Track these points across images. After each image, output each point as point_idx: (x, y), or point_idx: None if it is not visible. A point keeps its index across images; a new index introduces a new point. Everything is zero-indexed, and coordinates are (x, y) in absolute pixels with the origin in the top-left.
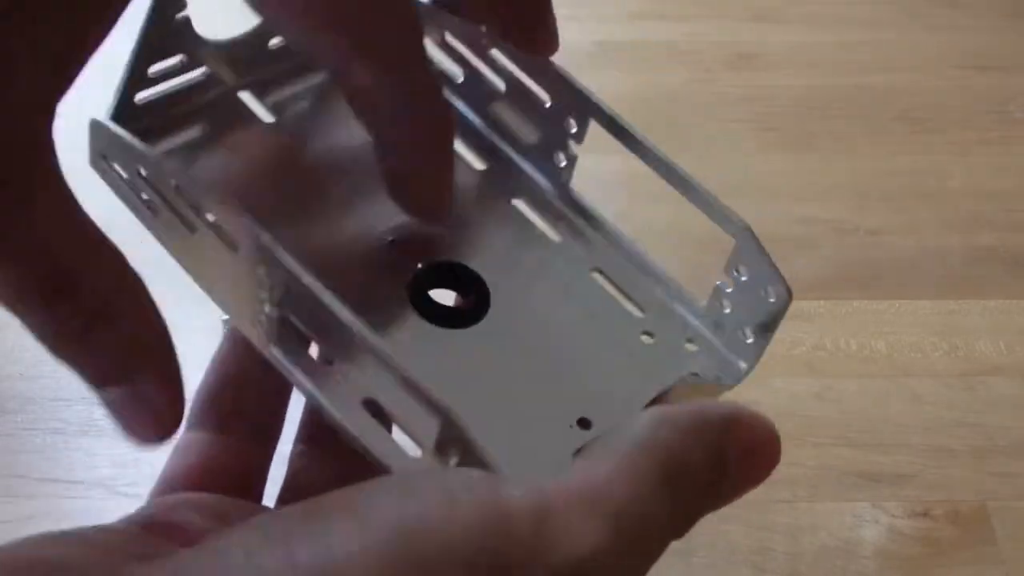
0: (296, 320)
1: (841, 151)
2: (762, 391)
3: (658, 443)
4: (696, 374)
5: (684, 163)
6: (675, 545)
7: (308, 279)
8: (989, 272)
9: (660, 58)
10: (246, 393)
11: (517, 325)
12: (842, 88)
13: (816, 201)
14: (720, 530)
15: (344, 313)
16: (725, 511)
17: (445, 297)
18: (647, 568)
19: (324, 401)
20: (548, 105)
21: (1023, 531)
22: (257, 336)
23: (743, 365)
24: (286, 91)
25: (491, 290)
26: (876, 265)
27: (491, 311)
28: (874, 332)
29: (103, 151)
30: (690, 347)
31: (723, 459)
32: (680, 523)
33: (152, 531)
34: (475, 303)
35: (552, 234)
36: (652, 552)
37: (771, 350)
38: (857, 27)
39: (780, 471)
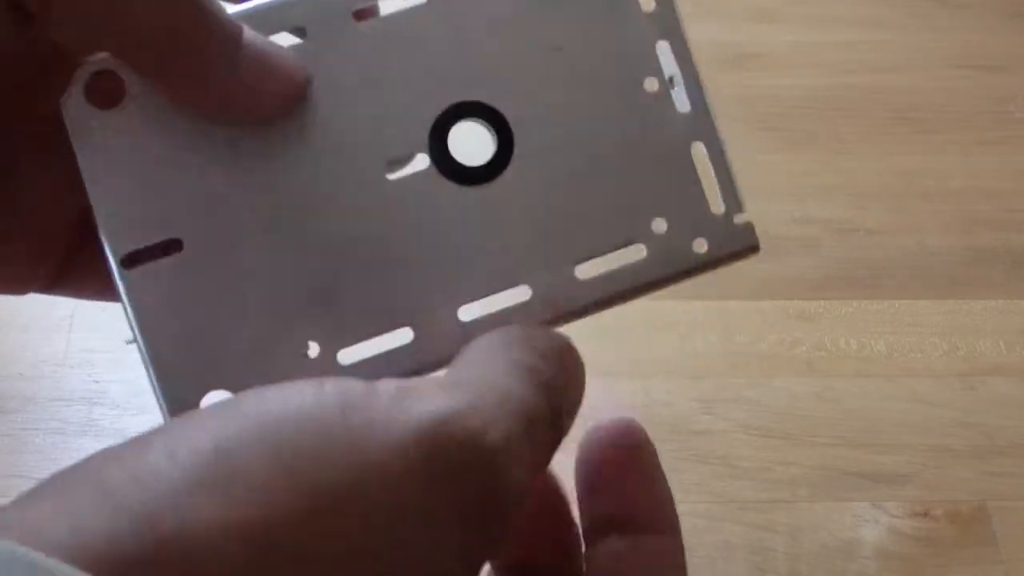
0: None
1: (841, 151)
2: (762, 391)
3: (496, 339)
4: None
5: None
6: None
7: None
8: (989, 272)
9: None
10: None
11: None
12: (842, 88)
13: (816, 201)
14: (720, 530)
15: None
16: (725, 511)
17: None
18: (528, 452)
19: None
20: None
21: (1023, 531)
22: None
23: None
24: None
25: (515, 131)
26: (876, 265)
27: (515, 158)
28: (874, 332)
29: None
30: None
31: (557, 343)
32: (542, 396)
33: None
34: (498, 154)
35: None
36: (518, 428)
37: (771, 350)
38: (857, 27)
39: (780, 471)
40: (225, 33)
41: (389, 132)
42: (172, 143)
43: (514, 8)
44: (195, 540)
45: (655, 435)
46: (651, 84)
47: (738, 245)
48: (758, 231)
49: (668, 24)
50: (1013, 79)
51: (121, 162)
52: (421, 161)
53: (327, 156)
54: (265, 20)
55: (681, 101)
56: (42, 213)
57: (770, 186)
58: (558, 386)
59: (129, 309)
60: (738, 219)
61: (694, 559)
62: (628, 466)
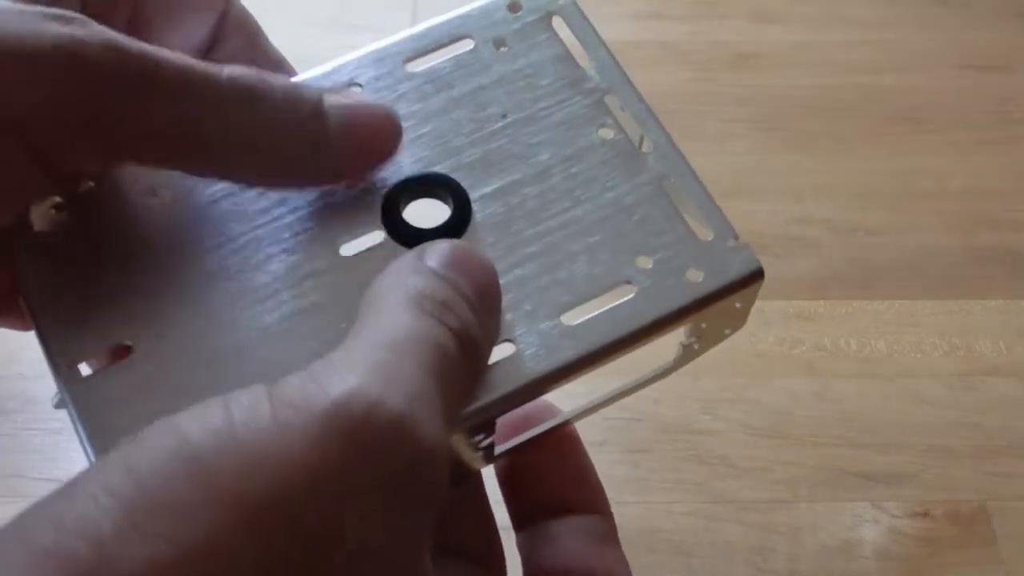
0: None
1: (841, 151)
2: (762, 391)
3: (390, 278)
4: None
5: None
6: (675, 545)
7: None
8: (989, 272)
9: (660, 58)
10: None
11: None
12: (842, 88)
13: (816, 201)
14: (720, 530)
15: None
16: (725, 511)
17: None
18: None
19: None
20: None
21: (1023, 531)
22: None
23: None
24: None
25: (472, 198)
26: (876, 265)
27: (474, 223)
28: (874, 332)
29: None
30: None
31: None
32: (438, 325)
33: None
34: (455, 214)
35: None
36: (419, 380)
37: (771, 350)
38: (857, 27)
39: (780, 471)
40: (308, 120)
41: (343, 214)
42: (122, 251)
43: (457, 89)
44: None
45: (655, 435)
46: (606, 133)
47: (738, 270)
48: (758, 231)
49: (613, 75)
50: (1013, 79)
51: (68, 279)
52: (376, 236)
53: (280, 247)
54: None
55: (643, 144)
56: None
57: (770, 186)
58: (456, 300)
59: (77, 421)
60: (732, 244)
61: (694, 559)
62: (555, 452)
